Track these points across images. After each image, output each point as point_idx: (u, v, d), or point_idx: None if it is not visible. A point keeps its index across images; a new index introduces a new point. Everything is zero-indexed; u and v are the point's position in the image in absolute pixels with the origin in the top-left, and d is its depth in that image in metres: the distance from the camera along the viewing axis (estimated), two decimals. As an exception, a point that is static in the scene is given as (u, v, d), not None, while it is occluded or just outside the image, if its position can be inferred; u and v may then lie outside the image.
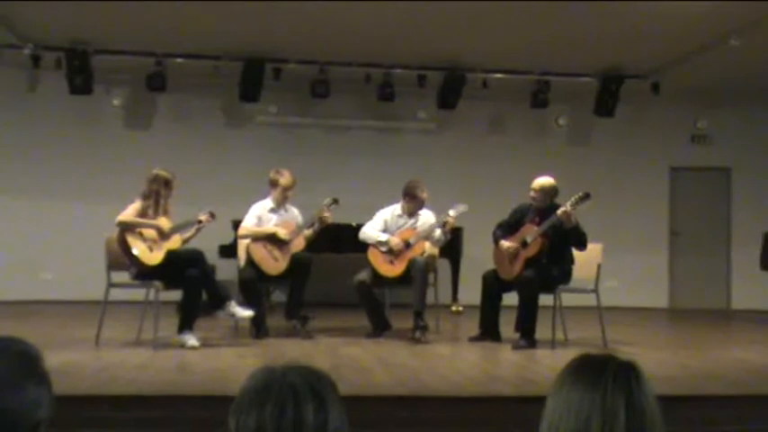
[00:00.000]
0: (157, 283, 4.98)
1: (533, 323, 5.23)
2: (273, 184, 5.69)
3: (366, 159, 8.71)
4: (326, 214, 5.64)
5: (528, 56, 7.80)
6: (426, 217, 5.81)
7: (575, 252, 5.36)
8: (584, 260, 5.38)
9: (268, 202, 5.75)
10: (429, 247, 5.80)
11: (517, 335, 5.29)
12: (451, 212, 5.61)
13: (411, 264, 5.55)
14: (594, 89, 8.49)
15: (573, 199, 5.13)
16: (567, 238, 5.20)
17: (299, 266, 5.54)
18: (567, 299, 5.42)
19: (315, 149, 8.63)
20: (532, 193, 5.39)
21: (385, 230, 5.78)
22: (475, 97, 8.47)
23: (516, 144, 8.98)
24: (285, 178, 5.66)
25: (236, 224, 6.12)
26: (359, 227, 5.90)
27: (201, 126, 8.60)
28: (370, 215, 5.94)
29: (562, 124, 9.15)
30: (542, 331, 5.32)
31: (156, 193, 5.06)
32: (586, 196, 5.13)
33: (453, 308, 7.70)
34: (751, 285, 8.67)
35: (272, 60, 7.88)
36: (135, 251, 4.92)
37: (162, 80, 7.91)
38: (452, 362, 4.91)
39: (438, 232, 5.67)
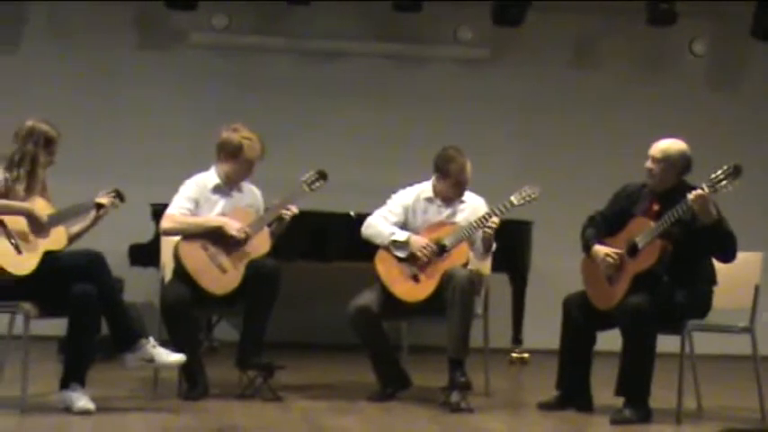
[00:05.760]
0: (27, 306, 5.00)
1: (647, 381, 5.26)
2: (226, 150, 5.71)
3: (372, 107, 8.73)
4: (288, 212, 5.66)
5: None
6: (474, 205, 5.85)
7: (716, 265, 5.41)
8: (732, 279, 5.38)
9: (211, 178, 5.78)
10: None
11: (620, 400, 5.34)
12: (514, 198, 5.65)
13: (446, 281, 5.58)
14: (754, -4, 8.52)
15: (714, 176, 5.13)
16: (702, 242, 5.24)
17: (260, 283, 5.58)
18: (703, 341, 5.45)
19: (287, 89, 8.66)
20: (649, 164, 5.36)
21: (405, 225, 5.84)
22: (554, 8, 8.49)
23: (622, 85, 8.98)
24: (250, 143, 5.68)
25: (159, 212, 6.18)
26: (362, 217, 5.95)
27: (99, 49, 8.62)
28: (380, 199, 5.98)
29: (699, 53, 9.16)
30: (661, 395, 5.35)
31: (31, 159, 5.09)
32: (736, 172, 5.12)
33: (515, 354, 7.78)
34: None
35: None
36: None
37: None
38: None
39: (479, 237, 5.69)
